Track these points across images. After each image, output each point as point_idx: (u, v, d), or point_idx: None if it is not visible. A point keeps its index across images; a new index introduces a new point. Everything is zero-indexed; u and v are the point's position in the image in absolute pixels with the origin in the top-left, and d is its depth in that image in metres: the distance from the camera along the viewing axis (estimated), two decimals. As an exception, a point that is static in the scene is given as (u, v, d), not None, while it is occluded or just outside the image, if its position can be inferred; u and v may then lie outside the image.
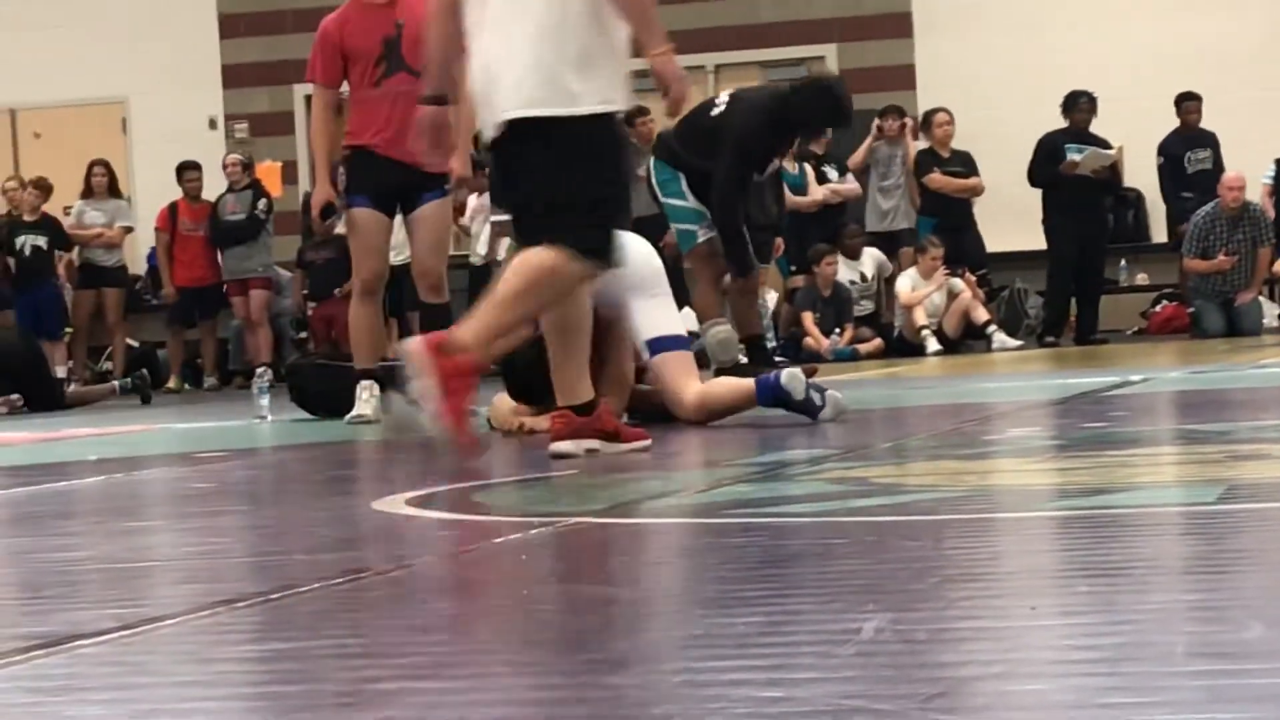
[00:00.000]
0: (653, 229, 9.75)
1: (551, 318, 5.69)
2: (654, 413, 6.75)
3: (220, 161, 16.97)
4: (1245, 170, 15.91)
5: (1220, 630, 2.25)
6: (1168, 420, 6.72)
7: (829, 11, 18.02)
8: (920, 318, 15.58)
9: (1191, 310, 16.02)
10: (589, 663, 2.27)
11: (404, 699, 2.09)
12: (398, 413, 6.94)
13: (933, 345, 15.38)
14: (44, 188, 16.64)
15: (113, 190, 17.23)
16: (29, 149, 19.47)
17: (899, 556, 3.06)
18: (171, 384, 16.47)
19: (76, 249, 16.98)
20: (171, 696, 2.20)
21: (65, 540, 4.26)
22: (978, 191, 16.16)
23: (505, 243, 13.58)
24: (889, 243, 16.39)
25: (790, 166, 14.61)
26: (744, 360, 9.76)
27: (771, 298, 14.99)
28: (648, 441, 5.78)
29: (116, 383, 14.25)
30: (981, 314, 15.71)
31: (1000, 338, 15.54)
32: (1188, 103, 16.42)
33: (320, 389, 9.21)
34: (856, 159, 16.36)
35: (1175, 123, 16.46)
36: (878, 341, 15.79)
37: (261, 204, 16.55)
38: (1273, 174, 16.43)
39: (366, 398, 8.35)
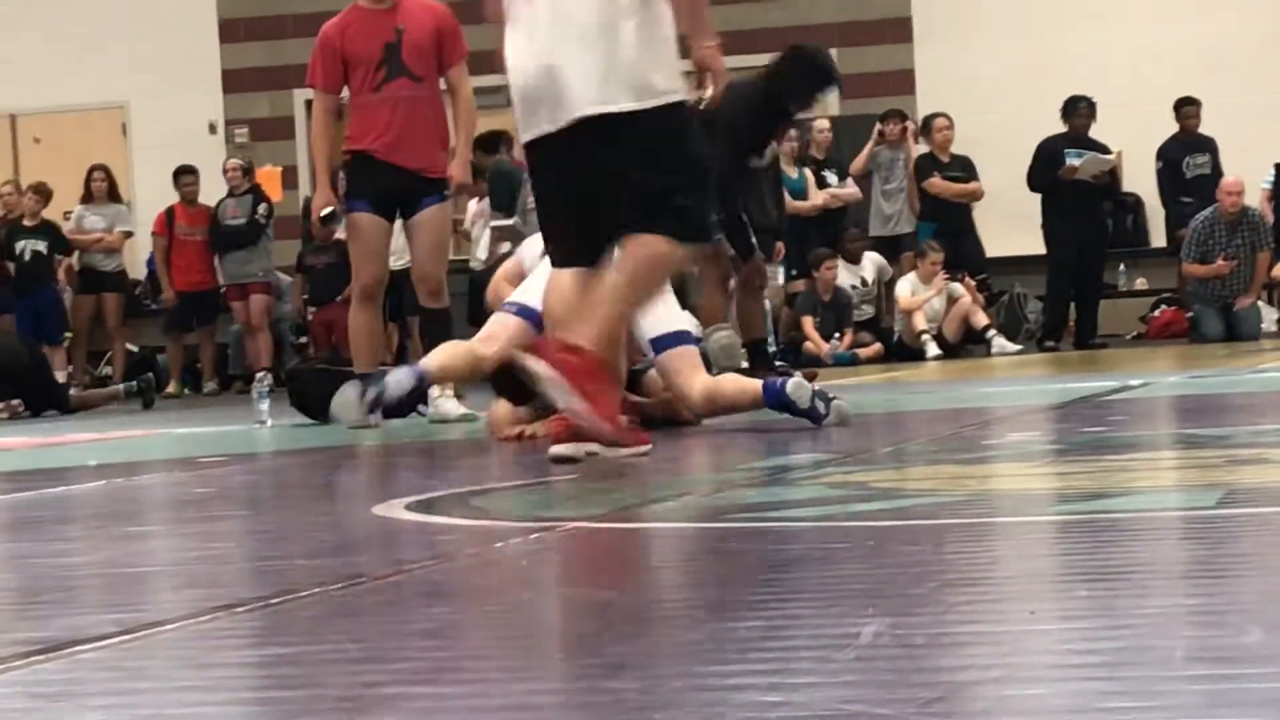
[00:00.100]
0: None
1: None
2: (650, 424, 6.74)
3: (220, 166, 16.97)
4: (1244, 175, 15.92)
5: (1219, 635, 2.24)
6: (1167, 425, 6.72)
7: (829, 16, 18.02)
8: (920, 322, 15.58)
9: (1190, 315, 16.03)
10: (589, 667, 2.27)
11: (404, 704, 2.09)
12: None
13: (932, 350, 15.38)
14: (44, 193, 16.64)
15: (113, 195, 17.23)
16: (29, 154, 19.47)
17: (898, 561, 3.06)
18: (171, 389, 16.46)
19: (76, 254, 16.99)
20: (171, 702, 2.20)
21: (65, 545, 4.26)
22: (977, 196, 16.16)
23: (505, 247, 13.57)
24: (892, 247, 16.39)
25: (790, 171, 14.61)
26: (745, 365, 9.77)
27: (767, 305, 14.98)
28: (648, 446, 5.78)
29: (121, 386, 14.23)
30: (981, 318, 15.72)
31: (1000, 342, 15.55)
32: (1187, 108, 16.43)
33: (320, 394, 9.19)
34: (858, 164, 16.36)
35: (1174, 128, 16.47)
36: (877, 346, 15.79)
37: (262, 209, 16.55)
38: (1271, 179, 16.44)
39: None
